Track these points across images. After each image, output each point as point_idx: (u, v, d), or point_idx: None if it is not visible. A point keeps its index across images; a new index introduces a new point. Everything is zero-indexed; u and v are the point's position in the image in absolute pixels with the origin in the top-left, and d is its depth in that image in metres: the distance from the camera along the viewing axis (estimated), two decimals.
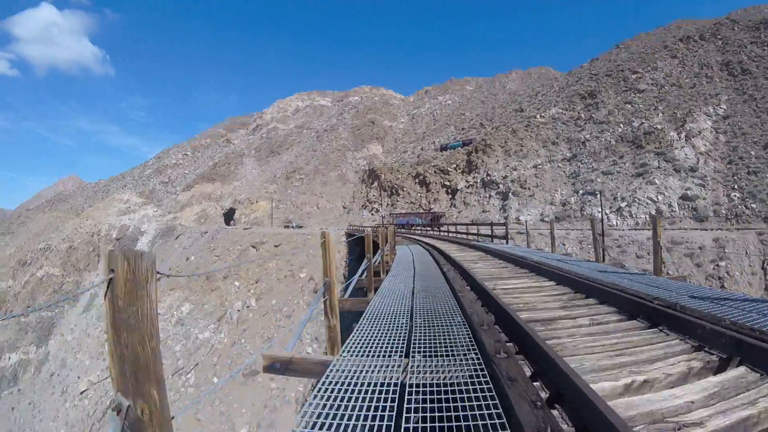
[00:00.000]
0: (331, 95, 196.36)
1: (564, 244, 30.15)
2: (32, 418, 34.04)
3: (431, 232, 37.95)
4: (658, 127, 46.54)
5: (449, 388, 2.51)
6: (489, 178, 52.61)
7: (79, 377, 32.62)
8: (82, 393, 30.57)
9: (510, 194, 46.86)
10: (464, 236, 26.03)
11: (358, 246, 32.32)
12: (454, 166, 63.29)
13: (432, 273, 8.12)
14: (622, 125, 50.53)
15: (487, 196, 50.66)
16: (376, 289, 7.25)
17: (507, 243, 18.95)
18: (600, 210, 38.02)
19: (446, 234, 31.75)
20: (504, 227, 21.42)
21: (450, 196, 59.28)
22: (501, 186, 50.02)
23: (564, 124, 58.28)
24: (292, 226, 69.75)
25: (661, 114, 49.75)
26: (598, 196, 39.91)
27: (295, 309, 29.72)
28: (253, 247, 44.20)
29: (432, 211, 57.18)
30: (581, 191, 42.51)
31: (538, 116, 64.51)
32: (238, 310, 31.68)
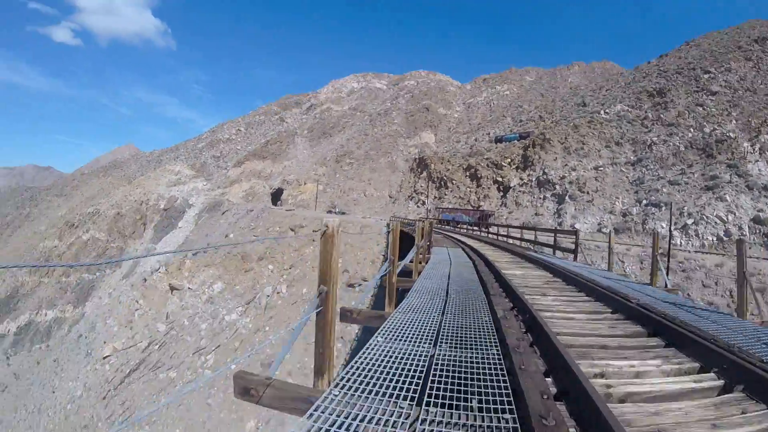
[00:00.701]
0: (387, 78, 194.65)
1: (623, 261, 27.78)
2: (54, 375, 34.56)
3: (477, 233, 35.50)
4: (731, 135, 42.79)
5: None
6: (545, 176, 49.81)
7: (105, 342, 32.62)
8: (105, 358, 30.65)
9: (567, 197, 44.06)
10: (517, 242, 23.74)
11: (402, 241, 30.59)
12: (509, 160, 60.64)
13: (472, 304, 5.02)
14: (692, 130, 46.89)
15: (542, 197, 47.93)
16: (398, 303, 5.26)
17: (575, 259, 15.22)
18: (665, 225, 35.20)
19: (495, 237, 29.30)
20: (573, 237, 18.03)
21: (501, 193, 56.71)
22: (557, 187, 47.17)
23: (629, 123, 54.71)
24: (335, 212, 69.08)
25: (734, 121, 46.01)
26: (664, 208, 37.04)
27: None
28: (291, 230, 43.71)
29: (481, 208, 54.80)
30: (644, 201, 39.46)
31: (602, 112, 60.98)
32: (268, 296, 30.93)
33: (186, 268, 38.83)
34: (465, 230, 39.51)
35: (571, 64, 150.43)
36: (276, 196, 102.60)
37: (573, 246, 15.80)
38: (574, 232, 16.92)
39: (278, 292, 31.08)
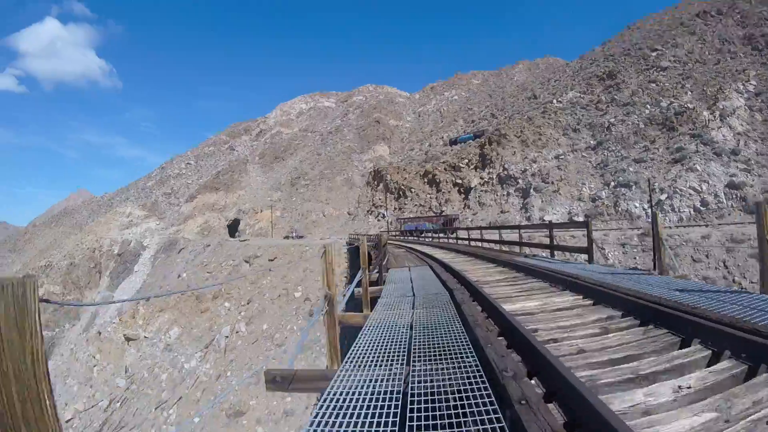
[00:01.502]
0: (335, 96, 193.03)
1: (603, 248, 25.49)
2: None
3: (445, 241, 31.07)
4: (689, 106, 42.34)
5: None
6: (506, 172, 47.51)
7: (66, 404, 29.89)
8: (67, 422, 27.87)
9: (531, 191, 41.82)
10: (493, 246, 19.24)
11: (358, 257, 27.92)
12: (466, 161, 58.12)
13: None
14: (649, 106, 46.13)
15: (505, 194, 45.55)
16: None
17: (591, 260, 10.65)
18: (638, 204, 33.34)
19: (465, 242, 24.99)
20: (584, 228, 11.82)
21: (463, 195, 54.03)
22: (520, 181, 44.90)
23: (584, 108, 53.58)
24: (292, 237, 65.98)
25: (690, 92, 45.62)
26: (633, 188, 35.29)
27: (288, 336, 25.85)
28: (246, 261, 40.36)
29: (444, 214, 52.18)
30: (612, 183, 37.73)
31: (554, 101, 59.84)
32: (226, 336, 28.66)
33: (140, 315, 35.85)
34: (430, 239, 36.19)
35: (515, 63, 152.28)
36: (233, 228, 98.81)
37: (587, 245, 10.91)
38: (585, 224, 11.52)
39: (237, 332, 28.81)
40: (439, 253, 16.31)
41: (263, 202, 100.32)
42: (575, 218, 36.14)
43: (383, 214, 64.27)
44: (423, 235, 41.06)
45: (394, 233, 50.61)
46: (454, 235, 29.69)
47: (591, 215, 35.19)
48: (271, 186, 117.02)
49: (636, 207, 33.24)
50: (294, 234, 70.49)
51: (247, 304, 31.75)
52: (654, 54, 57.57)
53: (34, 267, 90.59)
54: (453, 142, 77.88)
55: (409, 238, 40.70)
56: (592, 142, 46.20)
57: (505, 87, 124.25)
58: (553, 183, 41.22)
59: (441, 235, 34.66)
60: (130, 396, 27.76)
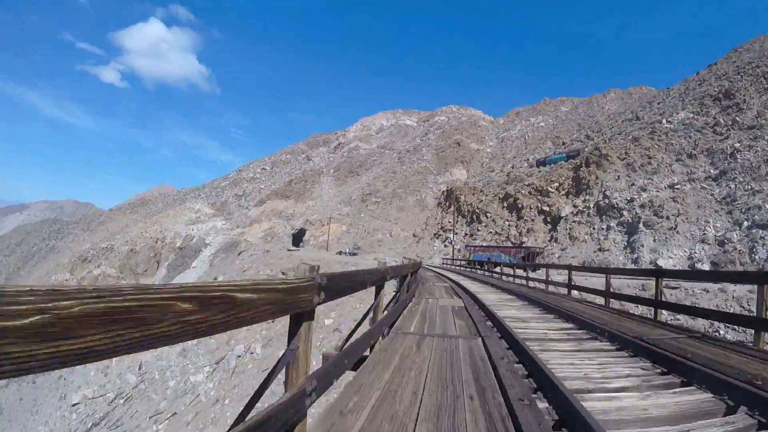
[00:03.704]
0: (417, 115, 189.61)
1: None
2: (29, 416, 33.50)
3: (527, 280, 20.28)
4: None
5: None
6: (607, 201, 38.86)
7: (79, 387, 31.48)
8: (74, 405, 29.73)
9: (640, 225, 33.46)
10: (592, 298, 12.98)
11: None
12: (557, 185, 49.69)
13: None
14: None
15: (604, 227, 37.12)
16: None
17: None
18: None
19: (564, 291, 15.96)
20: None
21: (549, 226, 45.59)
22: (625, 213, 36.17)
23: (698, 131, 44.36)
24: (345, 253, 60.94)
25: None
26: None
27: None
28: (282, 273, 35.41)
29: (524, 245, 43.83)
30: (746, 223, 29.08)
31: (663, 121, 50.71)
32: (238, 356, 26.05)
33: None
34: (503, 275, 26.98)
35: (607, 91, 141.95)
36: (298, 237, 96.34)
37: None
38: None
39: (252, 352, 25.90)
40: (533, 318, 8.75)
41: (332, 215, 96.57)
42: (698, 265, 27.84)
43: (451, 239, 57.08)
44: (494, 269, 33.20)
45: (460, 263, 43.11)
46: (542, 273, 22.11)
47: (719, 263, 26.82)
48: (341, 200, 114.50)
49: None
50: (348, 251, 65.65)
51: (271, 322, 26.74)
52: None
53: (96, 248, 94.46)
54: (541, 163, 68.60)
55: (478, 271, 32.73)
56: (712, 170, 37.22)
57: (595, 116, 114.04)
58: (668, 218, 32.69)
59: (520, 273, 25.95)
60: (135, 395, 27.98)
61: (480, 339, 5.54)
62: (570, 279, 13.73)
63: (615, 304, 11.64)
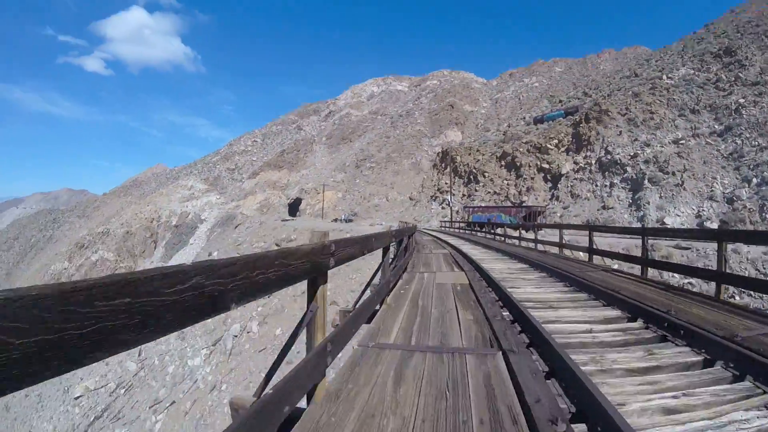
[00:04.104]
0: (408, 80, 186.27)
1: None
2: (34, 412, 32.75)
3: (535, 243, 17.57)
4: None
5: None
6: (609, 157, 37.68)
7: (81, 378, 30.59)
8: (76, 398, 29.27)
9: (645, 181, 32.52)
10: (602, 261, 11.55)
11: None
12: (556, 141, 48.18)
13: None
14: None
15: (607, 184, 36.18)
16: None
17: None
18: None
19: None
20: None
21: (550, 184, 44.53)
22: (629, 169, 35.15)
23: (700, 87, 42.96)
24: (341, 220, 60.25)
25: None
26: None
27: (300, 351, 19.26)
28: (276, 245, 34.64)
29: (525, 204, 42.50)
30: (755, 180, 28.22)
31: (664, 77, 49.25)
32: (235, 336, 25.62)
33: None
34: (503, 237, 24.41)
35: (601, 51, 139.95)
36: (294, 207, 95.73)
37: None
38: None
39: (248, 331, 25.31)
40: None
41: (326, 183, 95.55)
42: (706, 223, 27.03)
43: (448, 201, 56.03)
44: (495, 230, 31.60)
45: (459, 225, 42.08)
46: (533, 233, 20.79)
47: (729, 221, 26.02)
48: (335, 167, 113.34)
49: None
50: (343, 217, 64.88)
51: (267, 298, 26.53)
52: None
53: (93, 233, 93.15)
54: (538, 120, 66.85)
55: (478, 233, 31.52)
56: (717, 126, 36.15)
57: (590, 76, 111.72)
58: (674, 174, 31.74)
59: (523, 233, 25.19)
60: (135, 383, 27.67)
61: (500, 354, 3.53)
62: (591, 242, 11.62)
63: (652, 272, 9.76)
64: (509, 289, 6.17)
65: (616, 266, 11.47)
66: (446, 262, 11.61)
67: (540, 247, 16.90)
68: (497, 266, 10.43)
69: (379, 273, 5.68)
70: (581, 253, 12.88)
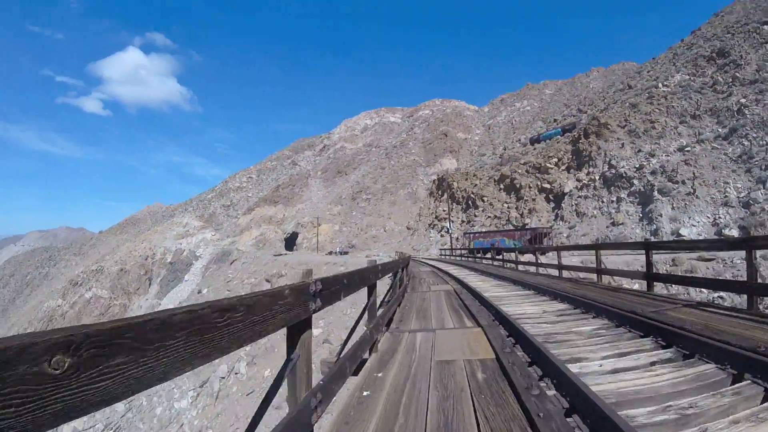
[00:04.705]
0: (401, 111, 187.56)
1: None
2: None
3: (559, 270, 14.32)
4: None
5: None
6: (614, 171, 36.13)
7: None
8: None
9: (655, 193, 30.93)
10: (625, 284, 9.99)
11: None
12: (555, 160, 46.57)
13: None
14: None
15: (614, 199, 34.52)
16: None
17: None
18: None
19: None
20: None
21: (553, 204, 42.78)
22: (636, 182, 33.64)
23: (698, 92, 41.92)
24: (336, 253, 58.74)
25: None
26: None
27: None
28: (267, 281, 33.00)
29: (528, 227, 40.46)
30: None
31: (660, 85, 48.28)
32: (221, 378, 24.96)
33: None
34: (511, 264, 22.08)
35: (589, 70, 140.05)
36: (291, 241, 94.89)
37: None
38: None
39: (236, 372, 24.73)
40: None
41: (323, 216, 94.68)
42: (725, 231, 25.36)
43: (447, 228, 54.20)
44: (501, 255, 29.21)
45: (460, 252, 40.17)
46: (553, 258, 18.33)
47: (748, 226, 24.32)
48: (331, 200, 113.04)
49: None
50: (338, 250, 63.41)
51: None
52: (767, 27, 45.78)
53: (87, 271, 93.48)
54: (535, 140, 65.74)
55: (483, 261, 29.25)
56: (720, 129, 34.87)
57: (580, 95, 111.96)
58: (685, 182, 30.21)
59: (530, 256, 22.36)
60: (123, 425, 27.35)
61: None
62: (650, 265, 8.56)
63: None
64: (575, 370, 3.31)
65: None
66: (450, 306, 8.48)
67: (565, 273, 13.78)
68: (528, 310, 7.21)
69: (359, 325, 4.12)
70: (625, 280, 10.80)
